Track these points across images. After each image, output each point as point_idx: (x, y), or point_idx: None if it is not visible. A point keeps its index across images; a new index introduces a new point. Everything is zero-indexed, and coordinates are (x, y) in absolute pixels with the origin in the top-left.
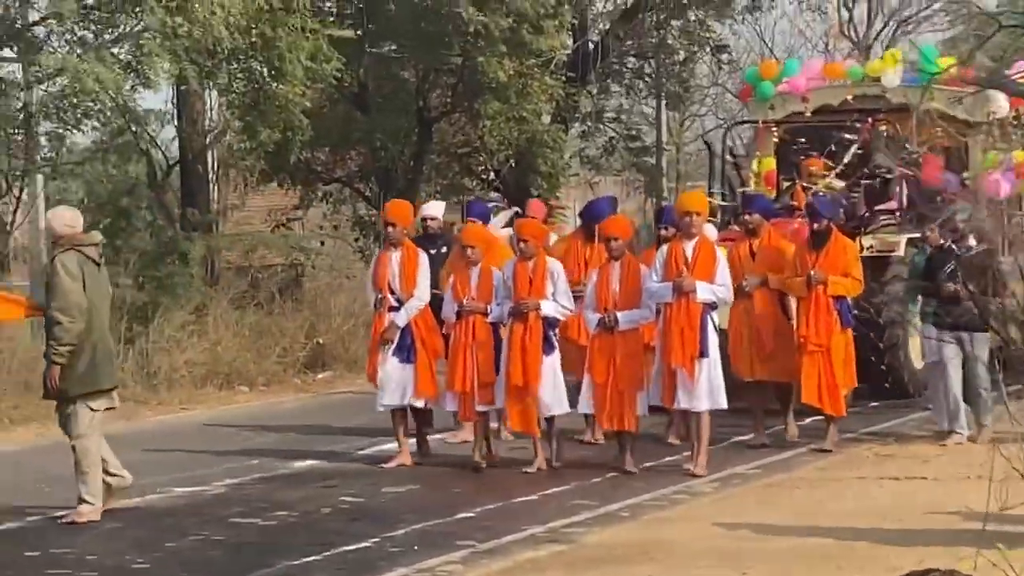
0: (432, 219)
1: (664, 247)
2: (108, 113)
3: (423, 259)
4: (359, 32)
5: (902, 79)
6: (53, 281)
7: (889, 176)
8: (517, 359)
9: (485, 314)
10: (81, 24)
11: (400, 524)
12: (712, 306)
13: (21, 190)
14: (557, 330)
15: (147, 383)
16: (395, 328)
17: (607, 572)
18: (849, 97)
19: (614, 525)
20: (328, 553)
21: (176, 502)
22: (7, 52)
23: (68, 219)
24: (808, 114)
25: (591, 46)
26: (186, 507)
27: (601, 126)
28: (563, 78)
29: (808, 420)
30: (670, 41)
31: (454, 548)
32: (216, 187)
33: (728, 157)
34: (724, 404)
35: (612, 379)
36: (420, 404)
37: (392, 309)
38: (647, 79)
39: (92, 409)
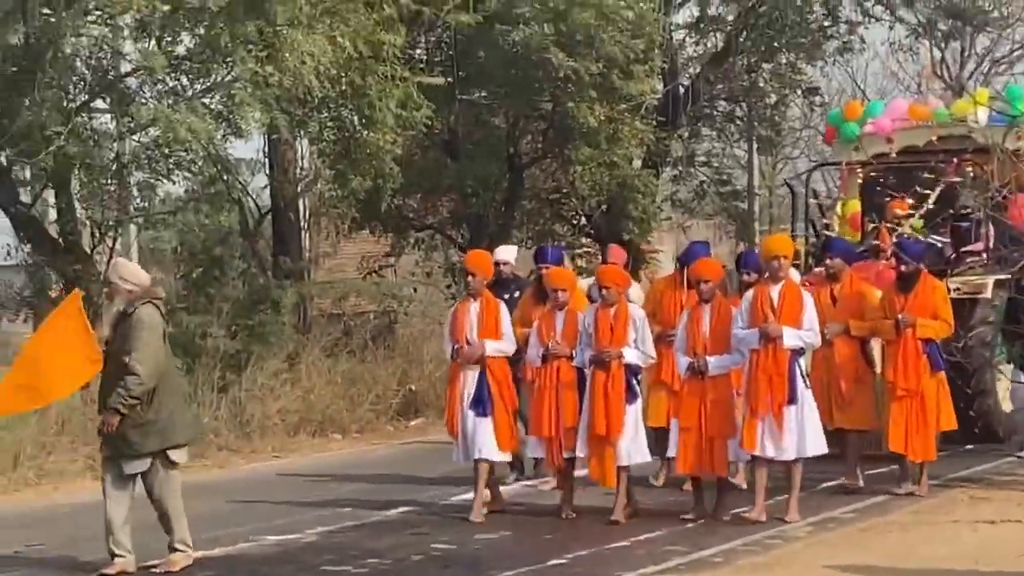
0: (504, 263)
1: (750, 292)
2: (200, 162)
3: (503, 309)
4: (449, 79)
5: (988, 119)
6: (135, 333)
7: (975, 217)
8: (599, 408)
9: (570, 358)
10: (172, 75)
11: (491, 571)
12: (800, 352)
13: (114, 240)
14: (641, 377)
15: (240, 431)
16: (480, 349)
17: None
18: (934, 138)
19: (707, 571)
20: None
21: (269, 550)
22: (100, 103)
23: (141, 273)
24: (893, 155)
25: (682, 90)
26: (279, 555)
27: (692, 170)
28: (654, 122)
29: (889, 467)
30: (761, 84)
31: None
32: (308, 235)
33: (812, 199)
34: (823, 449)
35: (702, 425)
36: (504, 458)
37: (470, 362)
38: (738, 122)
39: (171, 462)
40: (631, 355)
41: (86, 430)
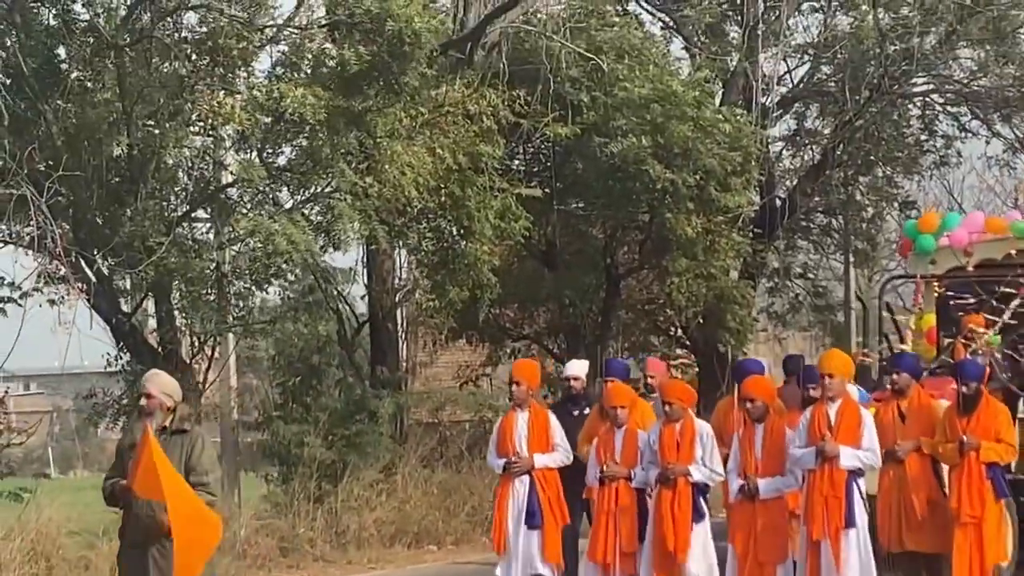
0: (575, 379)
1: (808, 411)
2: (298, 272)
3: (553, 419)
4: (547, 190)
5: None
6: (201, 454)
7: None
8: (668, 527)
9: (629, 479)
10: (272, 186)
11: None
12: (859, 473)
13: (213, 349)
14: (708, 496)
15: (336, 542)
16: (529, 462)
17: None
18: (1013, 251)
19: None
20: None
21: None
22: (201, 213)
23: (178, 387)
24: (970, 268)
25: (778, 202)
26: None
27: (788, 282)
28: (751, 234)
29: None
30: (858, 197)
31: None
32: (405, 344)
33: (885, 313)
34: None
35: (752, 550)
36: (548, 573)
37: (519, 475)
38: (835, 235)
39: None
40: (697, 473)
41: None
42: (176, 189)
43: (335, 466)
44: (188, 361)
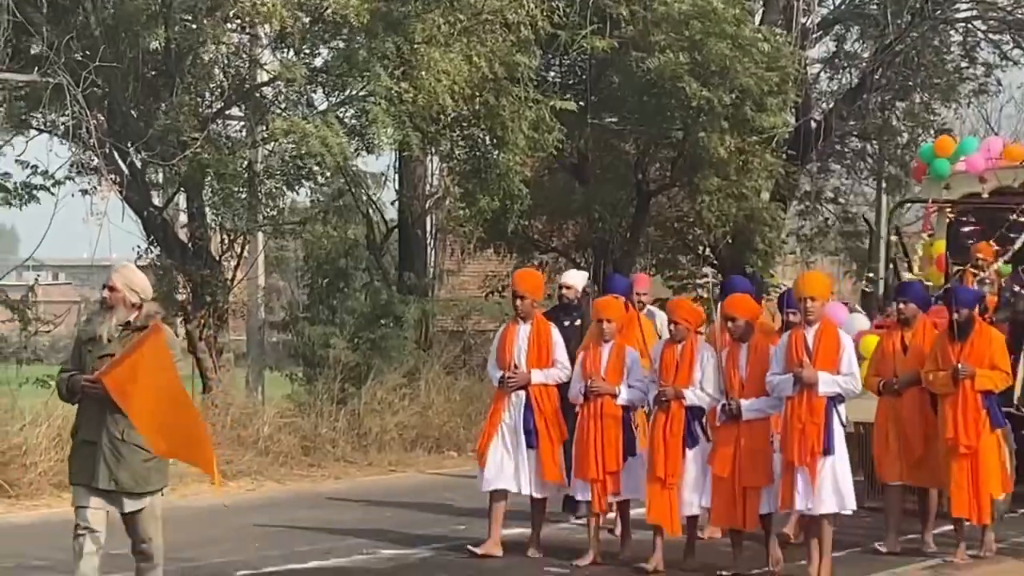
0: (568, 288)
1: (785, 335)
2: (329, 174)
3: (555, 334)
4: (581, 103)
5: None
6: (173, 350)
7: None
8: (659, 451)
9: (614, 396)
10: (309, 87)
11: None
12: (838, 399)
13: (242, 247)
14: (705, 420)
15: (358, 444)
16: (525, 378)
17: None
18: None
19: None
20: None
21: (383, 564)
22: (235, 111)
23: (148, 286)
24: (985, 195)
25: (813, 125)
26: (393, 569)
27: (819, 206)
28: (784, 156)
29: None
30: (894, 123)
31: None
32: (433, 251)
33: (894, 238)
34: (852, 506)
35: (735, 473)
36: (545, 495)
37: (514, 390)
38: (868, 160)
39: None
40: (692, 396)
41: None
42: (211, 86)
43: (359, 369)
44: (217, 258)
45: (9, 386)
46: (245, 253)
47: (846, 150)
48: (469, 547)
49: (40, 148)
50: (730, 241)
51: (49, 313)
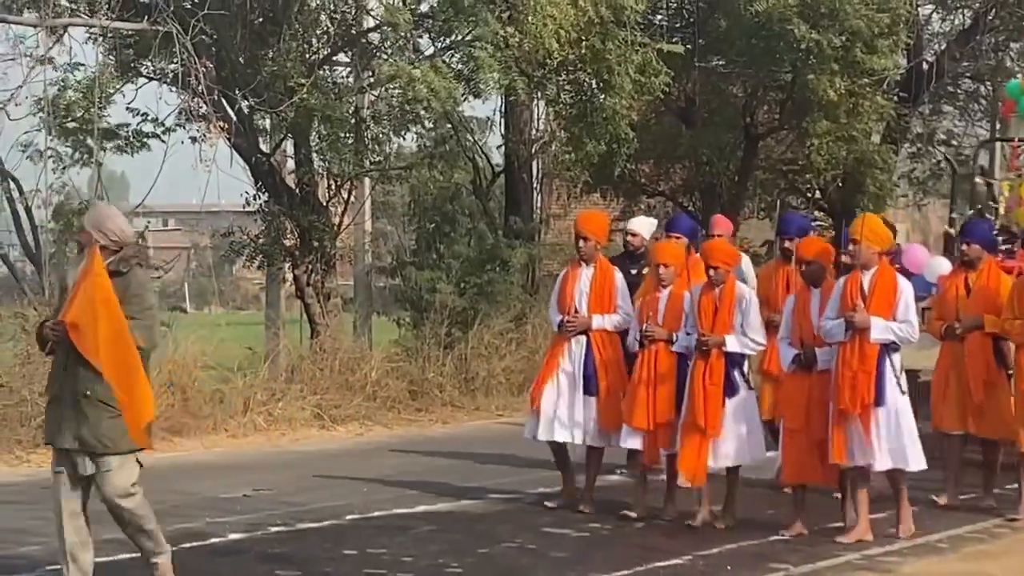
0: (633, 235)
1: (841, 280)
2: (435, 120)
3: (619, 279)
4: (688, 46)
5: None
6: (135, 298)
7: None
8: (698, 400)
9: (670, 342)
10: (415, 32)
11: (715, 543)
12: (893, 347)
13: (350, 192)
14: (746, 368)
15: (465, 388)
16: (586, 322)
17: None
18: None
19: (932, 556)
20: (640, 568)
21: (491, 507)
22: (342, 57)
23: (128, 227)
24: None
25: (925, 66)
26: (500, 513)
27: (931, 148)
28: (895, 98)
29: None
30: (1007, 64)
31: (768, 570)
32: (539, 196)
33: (979, 179)
34: (917, 465)
35: (805, 426)
36: (602, 445)
37: (575, 335)
38: (981, 102)
39: (139, 463)
40: (733, 343)
41: (315, 378)
42: (318, 32)
43: (466, 313)
44: (324, 203)
45: None
46: (352, 198)
47: (959, 92)
48: (546, 503)
49: (150, 96)
50: (840, 184)
51: (159, 259)
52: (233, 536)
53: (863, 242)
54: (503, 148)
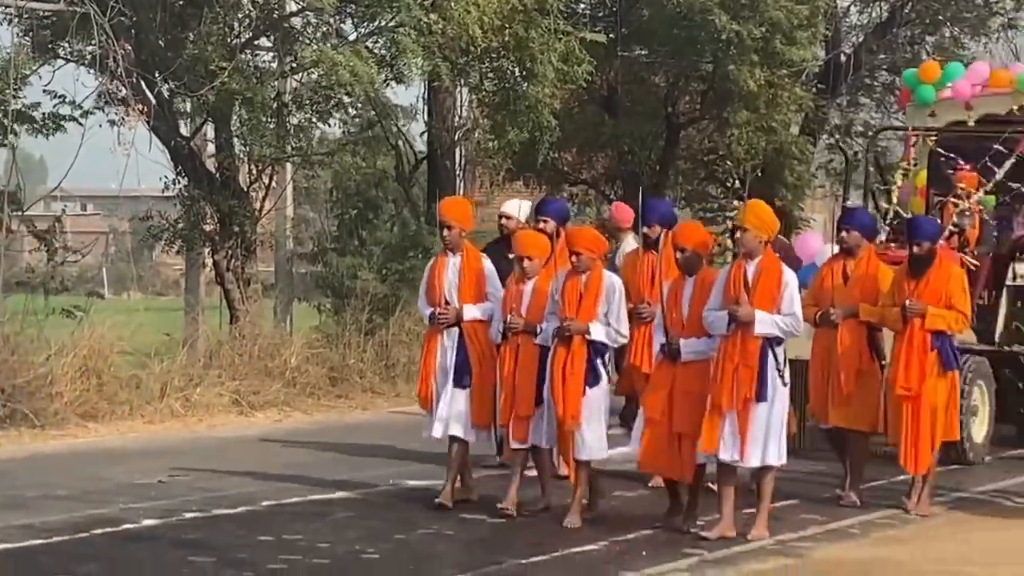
0: (507, 218)
1: (725, 269)
2: (359, 106)
3: (488, 266)
4: (611, 35)
5: None
6: None
7: None
8: (557, 389)
9: (533, 334)
10: (338, 17)
11: (631, 529)
12: (776, 340)
13: (270, 178)
14: (608, 358)
15: (386, 374)
16: (457, 313)
17: None
18: (1016, 107)
19: (843, 541)
20: (556, 554)
21: (410, 494)
22: (264, 41)
23: None
24: (971, 123)
25: (843, 58)
26: (418, 500)
27: (848, 139)
28: (814, 89)
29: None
30: (924, 57)
31: (681, 556)
32: (462, 183)
33: (873, 168)
34: (780, 461)
35: (667, 417)
36: (470, 439)
37: (446, 327)
38: (898, 94)
39: None
40: (598, 331)
41: (233, 364)
42: (239, 15)
43: (387, 300)
44: (245, 188)
45: (36, 316)
46: (273, 184)
47: (876, 84)
48: (437, 500)
49: (67, 78)
50: (759, 174)
51: (77, 243)
52: (147, 522)
53: (750, 229)
54: (426, 135)
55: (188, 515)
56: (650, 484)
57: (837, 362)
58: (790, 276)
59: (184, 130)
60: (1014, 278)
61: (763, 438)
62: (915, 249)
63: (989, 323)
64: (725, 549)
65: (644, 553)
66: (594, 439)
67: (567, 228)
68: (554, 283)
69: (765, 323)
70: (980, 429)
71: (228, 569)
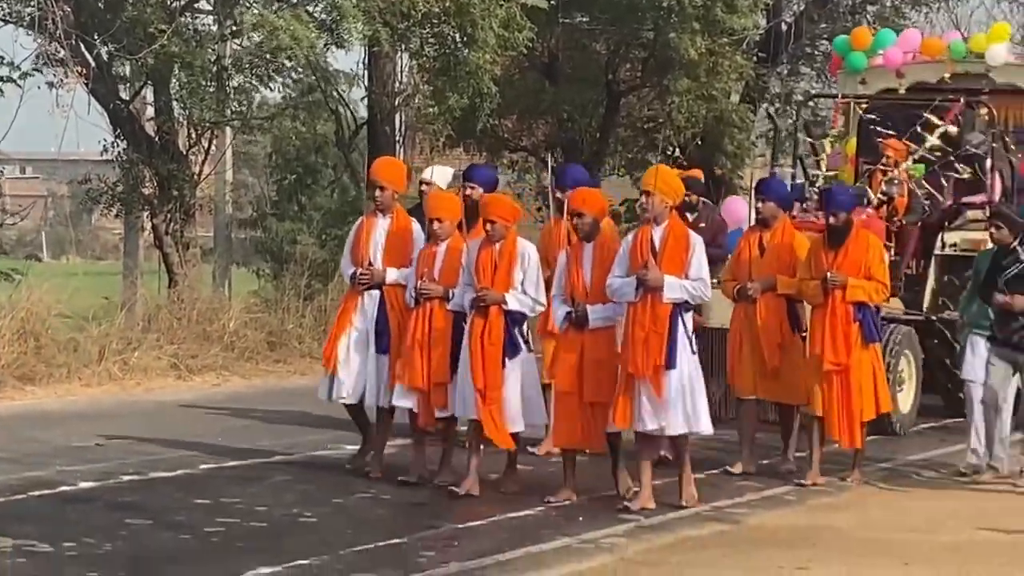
0: (428, 184)
1: (630, 234)
2: (300, 70)
3: (416, 229)
4: (552, 2)
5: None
6: None
7: (981, 164)
8: (476, 361)
9: (446, 299)
10: None
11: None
12: (686, 306)
13: (210, 142)
14: (526, 327)
15: (323, 339)
16: (380, 275)
17: (767, 554)
18: (947, 75)
19: (779, 508)
20: (495, 518)
21: (347, 460)
22: (204, 4)
23: None
24: (902, 91)
25: (784, 27)
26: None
27: (788, 108)
28: (754, 58)
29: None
30: (864, 26)
31: (618, 522)
32: (402, 149)
33: (802, 135)
34: (705, 429)
35: (577, 388)
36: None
37: (368, 289)
38: None
39: None
40: (514, 301)
41: (172, 328)
42: None
43: (326, 265)
44: (184, 152)
45: None
46: (213, 148)
47: (816, 53)
48: (347, 465)
49: (5, 39)
50: (699, 143)
51: (15, 206)
52: (84, 484)
53: (656, 194)
54: (366, 100)
55: (125, 478)
56: (531, 449)
57: (758, 337)
58: (697, 240)
59: (123, 93)
60: (943, 247)
61: (682, 404)
62: (831, 220)
63: (917, 293)
64: (660, 516)
65: (581, 519)
66: (514, 410)
67: (484, 196)
68: (467, 253)
69: (674, 288)
70: (907, 399)
71: (165, 531)
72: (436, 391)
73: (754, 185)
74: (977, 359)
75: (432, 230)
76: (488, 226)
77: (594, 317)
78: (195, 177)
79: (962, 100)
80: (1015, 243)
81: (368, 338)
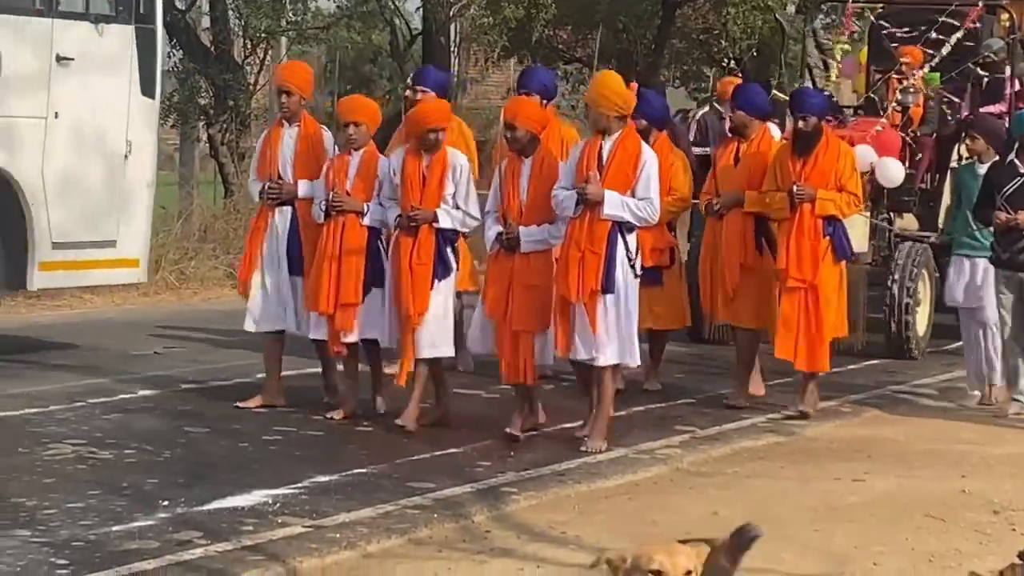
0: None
1: (579, 144)
2: None
3: (328, 137)
4: None
5: None
6: None
7: (999, 73)
8: (404, 281)
9: (361, 214)
10: None
11: (623, 405)
12: (628, 227)
13: (265, 52)
14: (457, 246)
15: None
16: (291, 189)
17: (823, 465)
18: None
19: (834, 420)
20: (534, 434)
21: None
22: None
23: None
24: None
25: None
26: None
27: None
28: None
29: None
30: None
31: (674, 432)
32: (457, 60)
33: (810, 41)
34: (633, 361)
35: (507, 314)
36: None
37: (278, 205)
38: None
39: None
40: (446, 218)
41: (227, 238)
42: None
43: None
44: (240, 62)
45: None
46: (268, 58)
47: None
48: (238, 404)
49: None
50: (755, 54)
51: None
52: (143, 392)
53: (602, 104)
54: (421, 10)
55: (184, 386)
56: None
57: (722, 254)
58: (649, 156)
59: (179, 3)
60: (959, 160)
61: (617, 334)
62: (800, 124)
63: (932, 208)
64: (717, 427)
65: (635, 429)
66: (442, 335)
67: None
68: (391, 163)
69: (615, 204)
70: (922, 321)
71: (223, 439)
72: (345, 312)
73: (733, 92)
74: (960, 282)
75: (347, 135)
76: (430, 135)
77: (527, 239)
78: (250, 87)
79: (981, 4)
80: (1012, 156)
81: (280, 261)
